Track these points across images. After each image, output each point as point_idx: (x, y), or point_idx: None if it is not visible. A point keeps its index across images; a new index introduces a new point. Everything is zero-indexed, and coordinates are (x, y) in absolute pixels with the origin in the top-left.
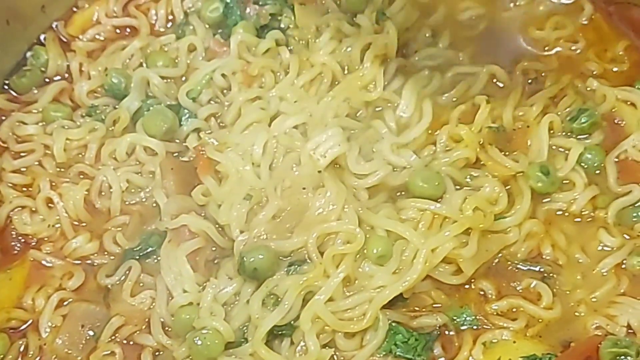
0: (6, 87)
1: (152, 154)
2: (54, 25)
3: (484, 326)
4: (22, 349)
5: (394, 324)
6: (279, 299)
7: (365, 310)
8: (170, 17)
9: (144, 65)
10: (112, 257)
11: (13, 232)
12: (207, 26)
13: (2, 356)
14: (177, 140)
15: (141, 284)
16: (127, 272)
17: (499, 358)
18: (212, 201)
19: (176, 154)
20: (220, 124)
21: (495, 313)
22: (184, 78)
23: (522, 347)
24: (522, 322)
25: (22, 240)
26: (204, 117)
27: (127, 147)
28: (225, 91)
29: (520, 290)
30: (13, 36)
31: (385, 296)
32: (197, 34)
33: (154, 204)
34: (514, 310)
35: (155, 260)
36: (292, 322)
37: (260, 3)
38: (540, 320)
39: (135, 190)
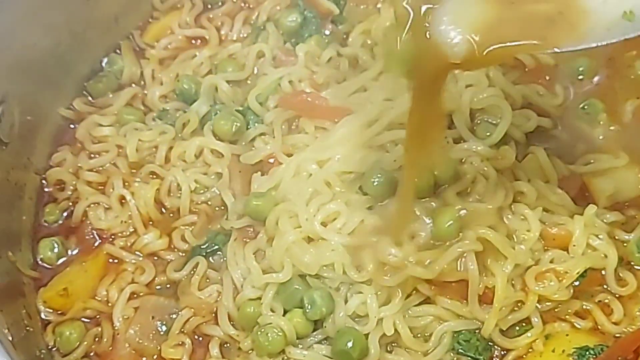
0: (83, 91)
1: (219, 156)
2: (129, 35)
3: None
4: (96, 337)
5: None
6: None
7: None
8: (242, 29)
9: (213, 72)
10: (180, 254)
11: (89, 227)
12: (281, 33)
13: (78, 343)
14: (243, 143)
15: (207, 280)
16: (195, 268)
17: (553, 349)
18: None
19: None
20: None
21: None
22: (249, 82)
23: (575, 339)
24: (589, 323)
25: (97, 234)
26: (269, 122)
27: (196, 150)
28: None
29: (597, 301)
30: (89, 44)
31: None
32: (269, 41)
33: (219, 205)
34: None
35: (221, 258)
36: None
37: (337, 23)
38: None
39: (203, 190)
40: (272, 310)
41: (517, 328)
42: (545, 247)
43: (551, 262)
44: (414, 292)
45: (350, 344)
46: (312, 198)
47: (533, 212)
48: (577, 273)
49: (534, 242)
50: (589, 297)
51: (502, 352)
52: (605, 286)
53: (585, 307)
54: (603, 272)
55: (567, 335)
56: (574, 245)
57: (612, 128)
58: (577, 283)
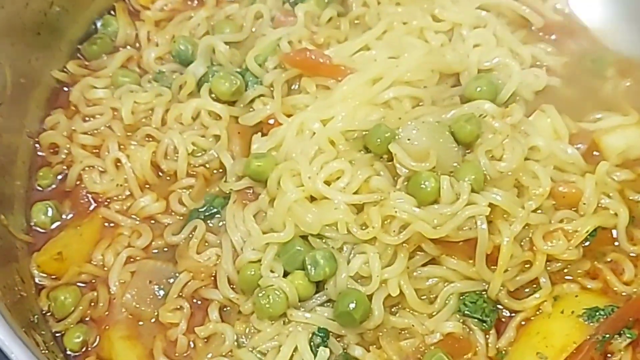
0: (78, 54)
1: (217, 118)
2: None
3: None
4: (92, 302)
5: None
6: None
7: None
8: None
9: (210, 33)
10: (178, 217)
11: (83, 191)
12: None
13: (73, 308)
14: (242, 105)
15: (206, 243)
16: (193, 231)
17: (562, 311)
18: None
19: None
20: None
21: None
22: (247, 44)
23: (584, 300)
24: (599, 284)
25: (92, 198)
26: (268, 84)
27: (193, 112)
28: None
29: (608, 261)
30: (82, 5)
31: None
32: (267, 2)
33: (217, 168)
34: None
35: (220, 222)
36: None
37: None
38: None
39: (201, 153)
40: (271, 271)
41: (527, 290)
42: (556, 206)
43: (561, 222)
44: (419, 252)
45: (352, 305)
46: (316, 156)
47: (544, 170)
48: (587, 232)
49: (543, 199)
50: (600, 256)
51: (510, 315)
52: (616, 243)
53: (596, 266)
54: (614, 232)
55: (576, 296)
56: (584, 204)
57: (627, 84)
58: (587, 243)
